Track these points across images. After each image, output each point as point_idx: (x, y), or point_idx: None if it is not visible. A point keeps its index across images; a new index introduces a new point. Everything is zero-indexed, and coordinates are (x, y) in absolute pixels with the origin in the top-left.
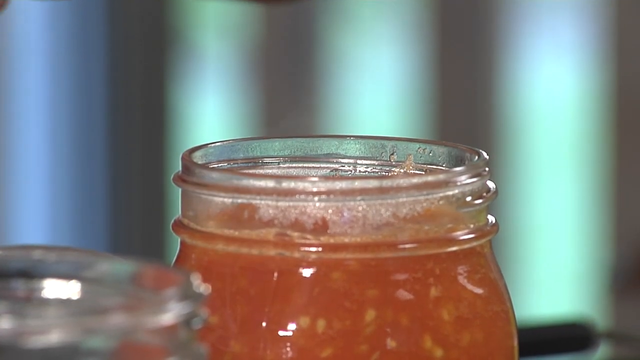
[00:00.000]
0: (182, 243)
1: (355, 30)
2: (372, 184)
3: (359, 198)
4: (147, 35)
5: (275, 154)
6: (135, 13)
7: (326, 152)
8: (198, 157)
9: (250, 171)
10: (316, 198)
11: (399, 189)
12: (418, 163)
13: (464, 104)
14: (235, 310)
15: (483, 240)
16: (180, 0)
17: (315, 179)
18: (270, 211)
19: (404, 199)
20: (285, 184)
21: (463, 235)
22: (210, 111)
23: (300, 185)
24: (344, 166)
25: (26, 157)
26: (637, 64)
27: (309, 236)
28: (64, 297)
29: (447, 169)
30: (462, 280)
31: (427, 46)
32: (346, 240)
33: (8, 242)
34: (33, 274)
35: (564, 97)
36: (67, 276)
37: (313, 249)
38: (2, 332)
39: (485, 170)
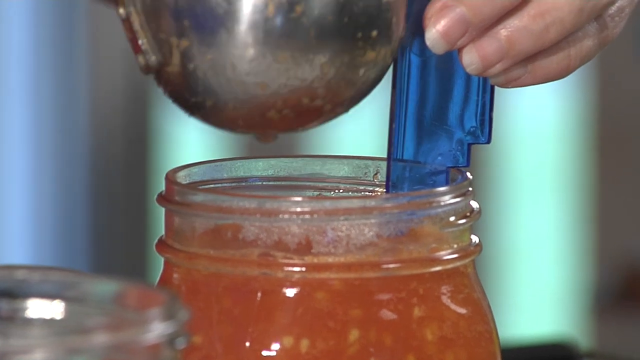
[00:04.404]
0: (165, 263)
1: None
2: (356, 204)
3: (342, 218)
4: (130, 51)
5: (259, 174)
6: (117, 31)
7: (310, 172)
8: (182, 177)
9: (234, 191)
10: (299, 218)
11: (382, 209)
12: None
13: None
14: (219, 330)
15: (466, 260)
16: None
17: (299, 199)
18: (254, 231)
19: (388, 219)
20: (268, 204)
21: (446, 255)
22: (193, 131)
23: (283, 205)
24: (327, 186)
25: (8, 177)
26: (618, 86)
27: (292, 256)
28: (48, 316)
29: (430, 189)
30: (445, 300)
31: None
32: (330, 260)
33: None
34: (16, 293)
35: (546, 119)
36: (50, 296)
37: (297, 268)
38: None
39: (468, 190)
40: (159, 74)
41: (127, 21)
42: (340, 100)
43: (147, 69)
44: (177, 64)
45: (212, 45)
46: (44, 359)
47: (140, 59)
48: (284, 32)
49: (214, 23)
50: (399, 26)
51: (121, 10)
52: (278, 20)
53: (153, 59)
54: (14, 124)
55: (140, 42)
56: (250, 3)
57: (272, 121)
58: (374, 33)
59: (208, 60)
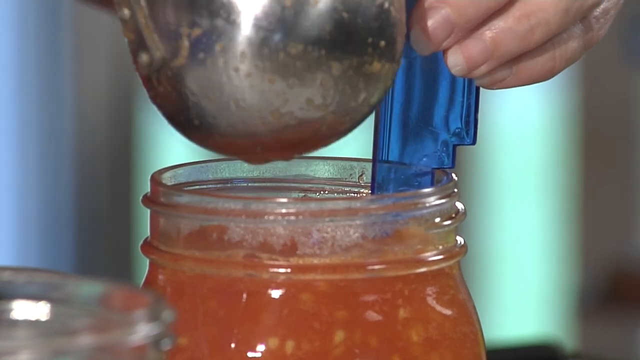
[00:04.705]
0: (151, 264)
1: None
2: (341, 205)
3: (327, 219)
4: (114, 54)
5: (244, 175)
6: (102, 33)
7: (295, 173)
8: (167, 179)
9: (219, 192)
10: (285, 219)
11: (367, 211)
12: None
13: None
14: (204, 331)
15: (452, 262)
16: None
17: (284, 200)
18: (239, 232)
19: (373, 221)
20: (253, 206)
21: (432, 256)
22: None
23: (268, 206)
24: (312, 187)
25: None
26: (603, 88)
27: (277, 257)
28: (33, 318)
29: (416, 190)
30: (431, 301)
31: None
32: (315, 261)
33: None
34: (1, 295)
35: (531, 120)
36: (36, 297)
37: (282, 270)
38: None
39: (454, 192)
40: (159, 72)
41: (130, 21)
42: (342, 110)
43: (150, 67)
44: (185, 55)
45: (224, 33)
46: None
47: (145, 57)
48: (301, 22)
49: (228, 9)
50: (401, 46)
51: (125, 11)
52: (295, 10)
53: (158, 54)
54: None
55: (145, 37)
56: None
57: (270, 128)
58: (382, 43)
59: (218, 50)
